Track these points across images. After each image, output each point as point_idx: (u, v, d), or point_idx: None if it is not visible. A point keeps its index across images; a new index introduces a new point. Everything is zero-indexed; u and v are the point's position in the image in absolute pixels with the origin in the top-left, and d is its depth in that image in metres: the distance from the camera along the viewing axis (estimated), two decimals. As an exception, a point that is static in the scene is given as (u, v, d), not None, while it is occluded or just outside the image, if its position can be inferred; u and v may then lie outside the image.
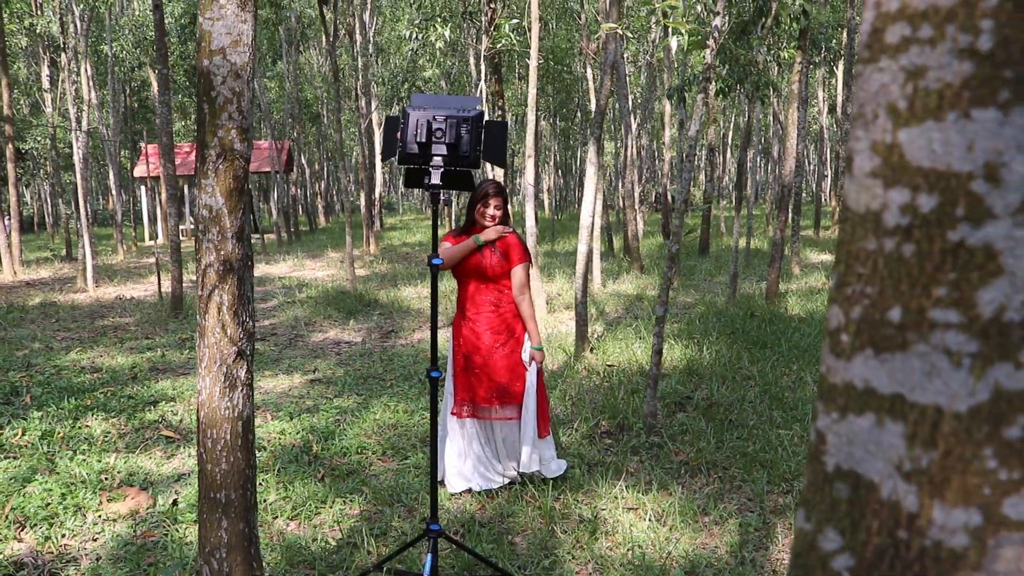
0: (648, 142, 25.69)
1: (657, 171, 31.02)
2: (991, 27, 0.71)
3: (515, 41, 10.43)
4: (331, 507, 4.64)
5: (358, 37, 20.90)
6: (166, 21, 21.60)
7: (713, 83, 9.65)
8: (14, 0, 19.55)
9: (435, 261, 3.22)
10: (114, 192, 22.58)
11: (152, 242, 28.62)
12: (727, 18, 12.25)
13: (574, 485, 4.87)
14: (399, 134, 3.18)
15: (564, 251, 20.47)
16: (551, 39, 20.69)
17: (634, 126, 15.62)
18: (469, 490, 4.83)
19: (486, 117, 11.70)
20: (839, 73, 25.13)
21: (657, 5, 5.51)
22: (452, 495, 4.81)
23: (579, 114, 29.15)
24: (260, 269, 18.20)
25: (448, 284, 12.40)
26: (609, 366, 7.77)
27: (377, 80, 20.22)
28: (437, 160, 3.12)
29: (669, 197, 29.51)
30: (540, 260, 17.82)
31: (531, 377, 4.86)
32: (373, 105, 19.15)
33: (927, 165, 0.74)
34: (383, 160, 3.34)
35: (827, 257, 18.19)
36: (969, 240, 0.73)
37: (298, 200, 32.41)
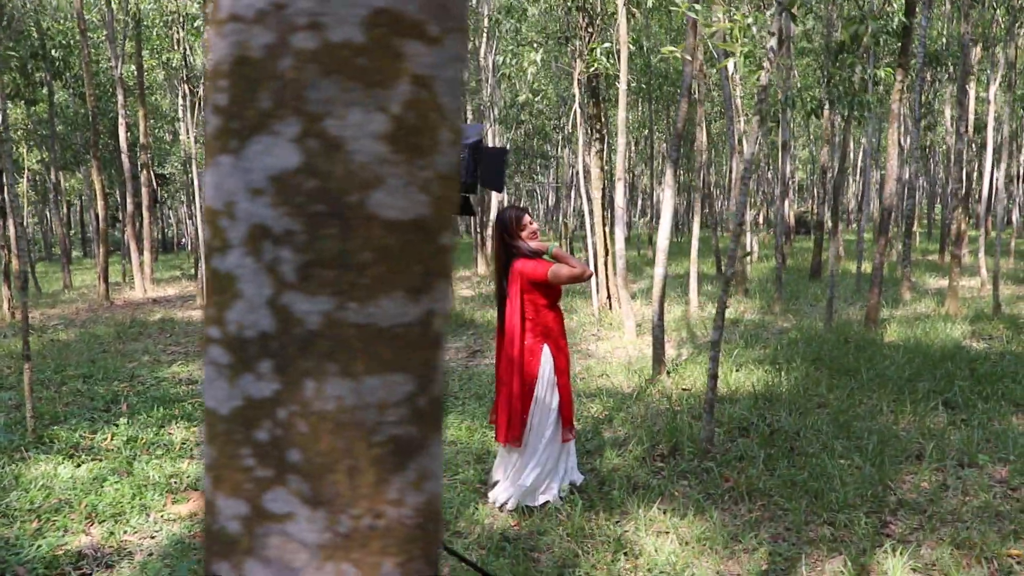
0: (766, 163, 25.23)
1: (768, 193, 30.40)
2: (226, 86, 0.80)
3: (608, 65, 10.53)
4: (372, 517, 4.83)
5: (476, 61, 21.40)
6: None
7: (800, 104, 9.51)
8: (153, 38, 20.90)
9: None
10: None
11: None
12: (828, 38, 12.01)
13: (610, 506, 4.91)
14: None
15: (673, 273, 20.33)
16: (655, 61, 20.64)
17: (747, 148, 15.37)
18: (503, 506, 4.94)
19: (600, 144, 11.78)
20: (971, 91, 24.12)
21: (715, 28, 5.53)
22: (493, 510, 4.93)
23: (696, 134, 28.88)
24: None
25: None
26: (684, 390, 7.73)
27: (488, 104, 20.63)
28: (436, 186, 3.27)
29: (790, 219, 28.83)
30: (646, 282, 17.76)
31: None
32: (491, 129, 19.59)
33: (208, 202, 0.85)
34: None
35: (946, 283, 17.44)
36: (220, 267, 0.82)
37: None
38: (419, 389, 0.82)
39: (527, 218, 4.89)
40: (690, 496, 5.08)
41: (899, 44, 9.81)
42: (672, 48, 6.19)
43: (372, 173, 0.76)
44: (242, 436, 0.82)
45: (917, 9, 9.90)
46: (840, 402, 7.10)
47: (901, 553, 4.22)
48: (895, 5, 10.28)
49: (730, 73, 5.15)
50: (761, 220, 27.16)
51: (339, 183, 0.76)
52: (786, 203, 28.48)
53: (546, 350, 4.93)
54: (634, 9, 10.58)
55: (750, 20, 5.32)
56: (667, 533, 4.55)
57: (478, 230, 20.65)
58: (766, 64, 5.32)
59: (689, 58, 6.36)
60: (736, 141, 15.32)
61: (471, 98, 18.84)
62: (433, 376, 0.84)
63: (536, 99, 21.96)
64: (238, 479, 0.82)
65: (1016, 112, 25.37)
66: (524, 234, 4.85)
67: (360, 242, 0.77)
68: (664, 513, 4.79)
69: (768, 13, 5.26)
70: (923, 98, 27.09)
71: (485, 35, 23.22)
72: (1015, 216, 26.36)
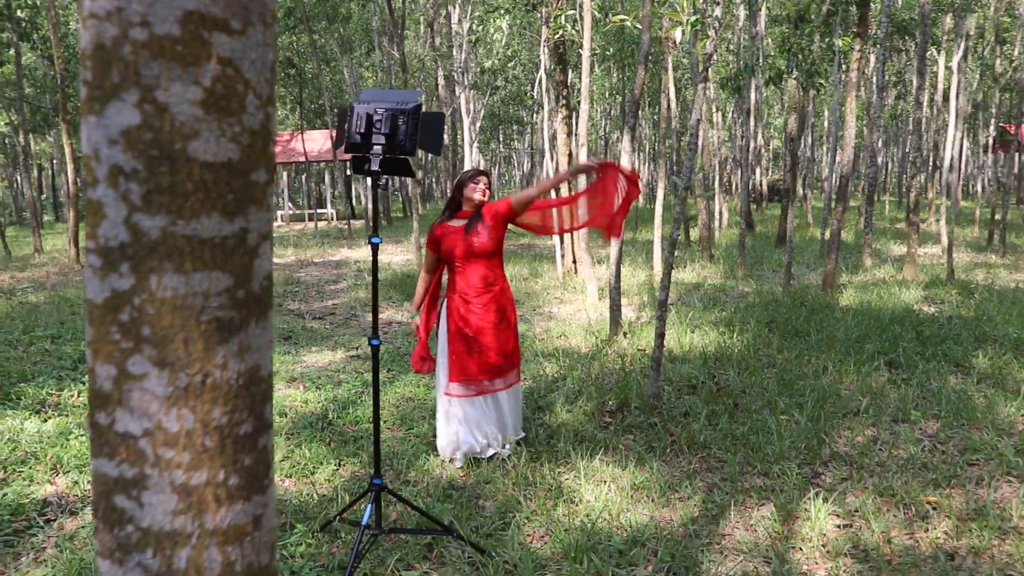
0: (743, 129, 25.47)
1: (741, 160, 30.61)
2: (89, 65, 1.05)
3: (573, 32, 10.66)
4: (327, 467, 5.04)
5: (448, 27, 21.36)
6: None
7: (760, 72, 9.68)
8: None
9: (374, 240, 3.56)
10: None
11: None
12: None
13: (555, 457, 5.15)
14: (347, 126, 3.54)
15: (643, 239, 20.57)
16: (630, 26, 20.67)
17: (693, 114, 15.51)
18: (455, 458, 5.17)
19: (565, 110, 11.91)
20: (940, 60, 24.36)
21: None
22: (443, 462, 5.15)
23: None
24: (341, 253, 18.95)
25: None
26: (639, 350, 7.97)
27: (459, 71, 20.63)
28: (376, 148, 3.47)
29: (757, 184, 29.09)
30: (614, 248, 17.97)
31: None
32: (463, 95, 19.64)
33: (83, 150, 1.10)
34: (335, 148, 3.68)
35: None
36: (92, 196, 1.07)
37: (388, 187, 33.23)
38: (237, 284, 1.09)
39: (481, 178, 5.06)
40: (633, 448, 5.32)
41: (858, 15, 9.99)
42: (623, 16, 6.35)
43: (191, 128, 1.03)
44: (111, 318, 1.08)
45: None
46: (788, 362, 7.36)
47: (826, 500, 4.48)
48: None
49: (677, 42, 5.31)
50: (734, 187, 27.38)
51: (167, 135, 1.02)
52: (759, 170, 28.73)
53: (443, 306, 5.17)
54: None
55: (696, -9, 5.49)
56: (607, 482, 4.79)
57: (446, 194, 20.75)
58: (711, 33, 5.50)
59: (639, 27, 6.52)
60: (703, 108, 15.44)
61: (442, 63, 18.86)
62: (250, 276, 1.11)
63: (510, 65, 21.98)
64: (109, 350, 1.09)
65: (985, 81, 25.65)
66: (467, 191, 5.04)
67: (184, 177, 1.03)
68: (607, 464, 5.03)
69: (715, -16, 5.42)
70: (895, 67, 27.32)
71: (459, 1, 23.19)
72: (981, 185, 26.74)
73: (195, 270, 1.05)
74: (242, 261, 1.09)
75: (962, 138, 26.44)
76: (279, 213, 32.84)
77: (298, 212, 34.69)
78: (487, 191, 5.08)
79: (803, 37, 9.96)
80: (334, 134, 23.73)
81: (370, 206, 3.82)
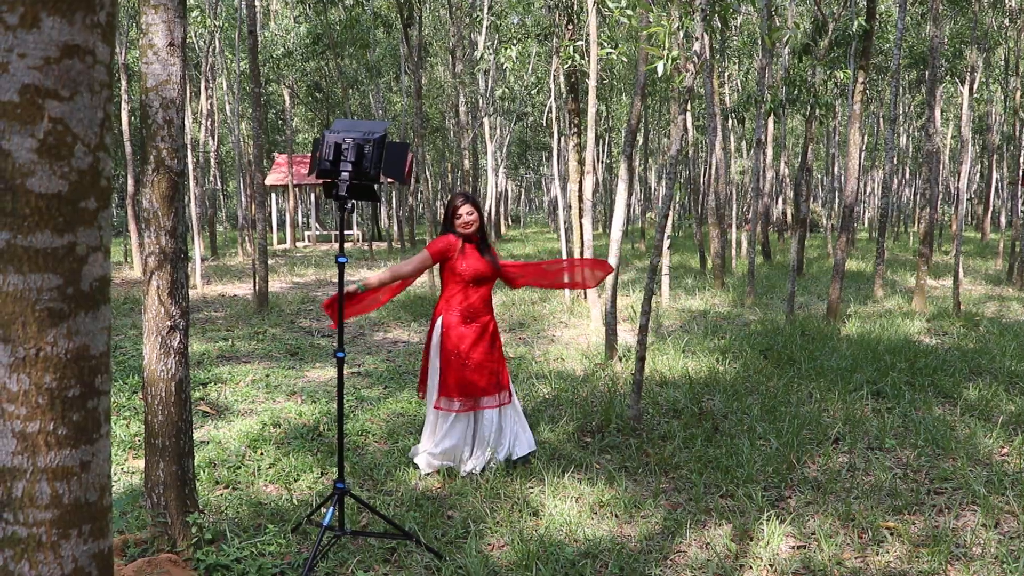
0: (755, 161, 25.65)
1: (761, 189, 30.70)
2: None
3: (581, 62, 10.93)
4: (310, 475, 5.28)
5: (472, 55, 21.79)
6: (291, 41, 23.17)
7: (766, 103, 9.87)
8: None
9: (340, 260, 3.82)
10: (243, 199, 24.26)
11: (280, 246, 30.38)
12: (795, 40, 12.35)
13: (529, 473, 5.35)
14: (318, 153, 3.82)
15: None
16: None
17: (718, 146, 15.75)
18: (437, 471, 5.38)
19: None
20: (964, 92, 24.37)
21: (647, 31, 5.93)
22: (424, 475, 5.37)
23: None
24: (359, 274, 19.31)
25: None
26: (633, 374, 8.14)
27: (483, 96, 21.00)
28: (344, 175, 3.74)
29: (780, 214, 29.13)
30: (630, 275, 18.15)
31: None
32: (487, 122, 19.95)
33: None
34: (308, 174, 3.96)
35: (928, 281, 17.74)
36: None
37: (414, 210, 33.74)
38: (66, 284, 1.41)
39: (464, 208, 5.25)
40: (605, 468, 5.51)
41: (860, 48, 10.16)
42: (609, 51, 6.61)
43: (28, 168, 1.35)
44: None
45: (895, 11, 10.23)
46: (775, 389, 7.49)
47: (782, 522, 4.63)
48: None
49: (659, 75, 5.52)
50: (743, 217, 27.54)
51: (10, 173, 1.35)
52: (781, 199, 28.76)
53: (439, 321, 5.37)
54: (604, 9, 10.97)
55: (676, 25, 5.72)
56: (573, 498, 4.97)
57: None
58: (690, 67, 5.73)
59: (624, 60, 6.78)
60: (718, 138, 15.69)
61: (462, 90, 19.26)
62: (79, 278, 1.42)
63: (535, 92, 22.34)
64: None
65: (1010, 114, 25.61)
66: (459, 221, 5.24)
67: (23, 204, 1.35)
68: (578, 481, 5.21)
69: (696, 18, 5.66)
70: (919, 98, 27.34)
71: (484, 31, 23.62)
72: (1004, 217, 26.60)
73: (31, 271, 1.36)
74: (71, 267, 1.40)
75: (989, 170, 26.38)
76: (307, 234, 33.37)
77: (324, 233, 35.19)
78: (471, 219, 5.26)
79: (804, 69, 10.15)
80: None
81: (341, 228, 3.99)
